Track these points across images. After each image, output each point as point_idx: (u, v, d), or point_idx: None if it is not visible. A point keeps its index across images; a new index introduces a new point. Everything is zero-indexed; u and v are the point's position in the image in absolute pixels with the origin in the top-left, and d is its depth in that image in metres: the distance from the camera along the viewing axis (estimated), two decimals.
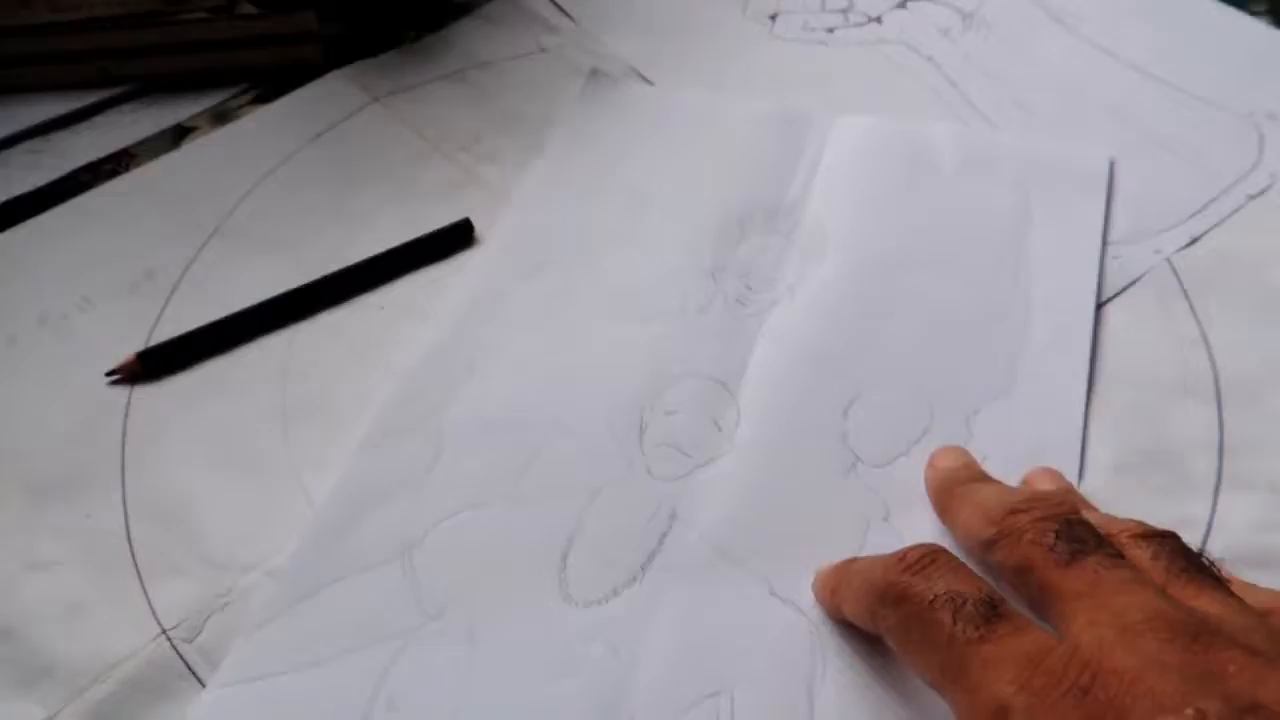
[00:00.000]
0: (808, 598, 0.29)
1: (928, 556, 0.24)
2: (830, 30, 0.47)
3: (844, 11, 0.48)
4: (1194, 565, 0.23)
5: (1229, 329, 0.36)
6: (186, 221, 0.41)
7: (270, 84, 0.47)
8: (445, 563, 0.30)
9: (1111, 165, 0.40)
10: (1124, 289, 0.37)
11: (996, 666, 0.21)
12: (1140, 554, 0.24)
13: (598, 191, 0.41)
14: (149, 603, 0.30)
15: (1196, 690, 0.19)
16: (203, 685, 0.29)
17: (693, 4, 0.49)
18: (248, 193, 0.42)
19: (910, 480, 0.32)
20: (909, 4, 0.48)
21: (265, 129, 0.45)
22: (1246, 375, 0.34)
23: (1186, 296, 0.37)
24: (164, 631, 0.30)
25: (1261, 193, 0.39)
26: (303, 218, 0.41)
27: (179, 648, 0.29)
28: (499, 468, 0.32)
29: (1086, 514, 0.26)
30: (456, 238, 0.39)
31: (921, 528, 0.31)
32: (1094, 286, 0.37)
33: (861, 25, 0.47)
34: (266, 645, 0.29)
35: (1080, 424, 0.33)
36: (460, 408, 0.34)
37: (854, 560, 0.28)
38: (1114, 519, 0.26)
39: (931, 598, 0.23)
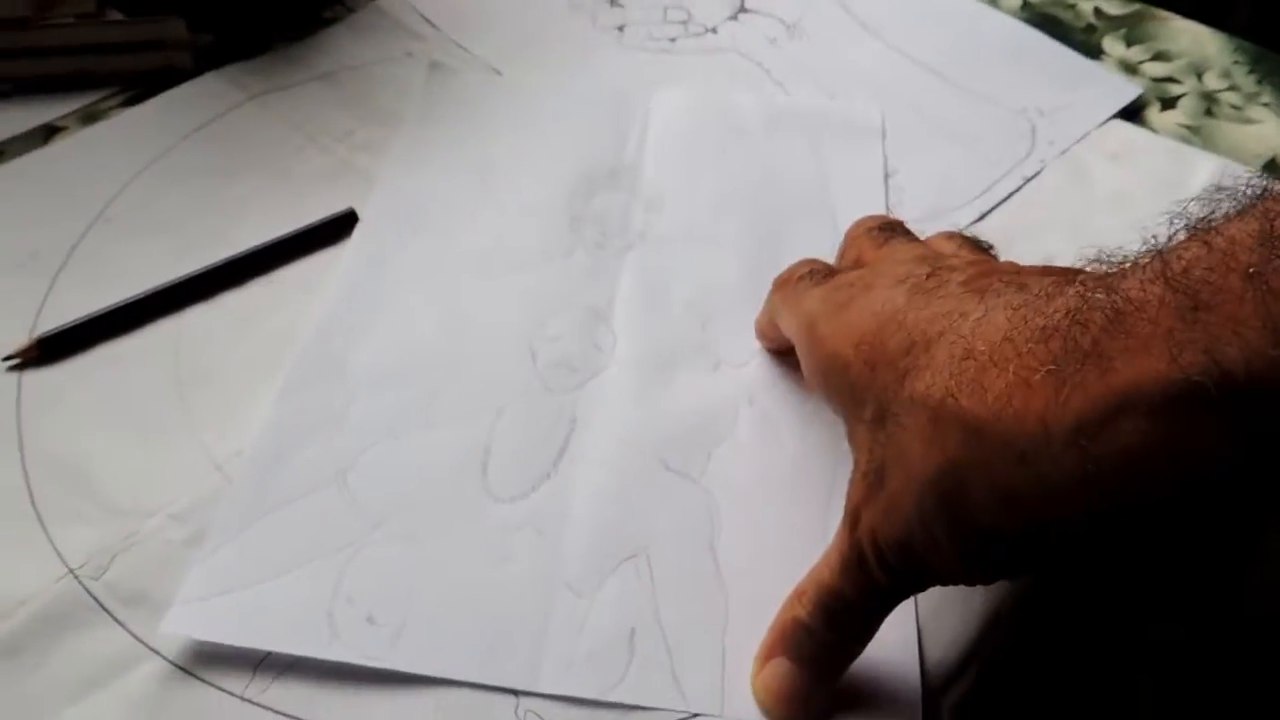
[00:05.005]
0: (698, 470, 0.35)
1: (800, 263, 0.35)
2: (672, 40, 0.52)
3: (683, 23, 0.53)
4: (970, 241, 0.34)
5: None
6: (67, 208, 0.42)
7: (141, 87, 0.49)
8: (377, 482, 0.34)
9: (882, 116, 0.48)
10: None
11: (815, 297, 0.31)
12: (943, 241, 0.34)
13: (454, 166, 0.45)
14: (53, 546, 0.32)
15: (912, 270, 0.29)
16: (113, 618, 0.31)
17: (547, 17, 0.54)
18: (129, 182, 0.44)
19: (766, 373, 0.38)
20: (740, 16, 0.54)
21: (141, 125, 0.46)
22: None
23: None
24: (70, 571, 0.31)
25: (1035, 175, 0.47)
26: (185, 205, 0.43)
27: (86, 584, 0.31)
28: (410, 402, 0.36)
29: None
30: (342, 225, 0.42)
31: (782, 403, 0.37)
32: (883, 212, 0.44)
33: (700, 35, 0.53)
34: (223, 566, 0.31)
35: None
36: (364, 357, 0.37)
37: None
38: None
39: (797, 277, 0.33)
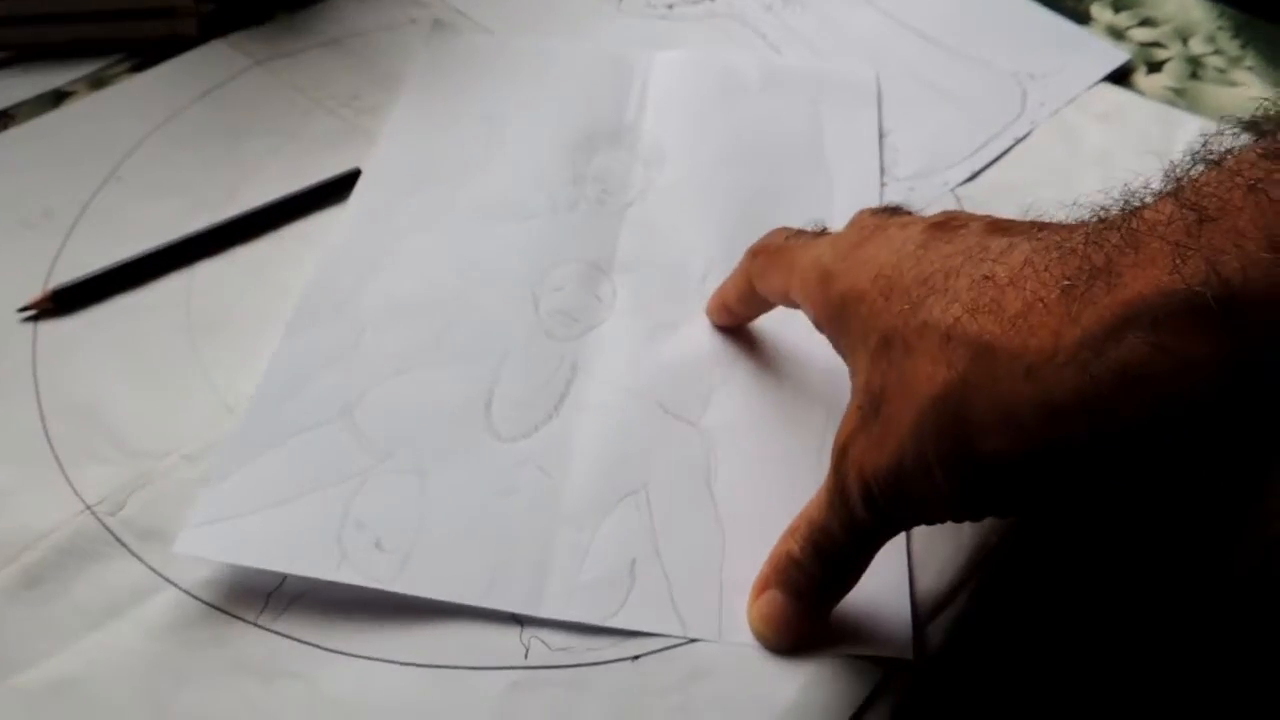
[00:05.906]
0: (695, 413, 0.36)
1: (778, 230, 0.35)
2: (670, 6, 0.53)
3: None
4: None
5: None
6: (79, 168, 0.43)
7: (147, 54, 0.50)
8: (384, 418, 0.35)
9: (877, 77, 0.49)
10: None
11: (823, 243, 0.32)
12: None
13: (457, 123, 0.46)
14: (71, 485, 0.33)
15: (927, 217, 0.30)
16: (130, 551, 0.32)
17: None
18: (139, 143, 0.44)
19: (761, 323, 0.39)
20: None
21: (149, 89, 0.47)
22: None
23: None
24: (88, 507, 0.32)
25: (1025, 136, 0.48)
26: (194, 165, 0.44)
27: (104, 520, 0.32)
28: (416, 341, 0.37)
29: None
30: (347, 184, 0.43)
31: (777, 352, 0.38)
32: (877, 169, 0.45)
33: (696, 2, 0.54)
34: (232, 492, 0.32)
35: None
36: (372, 298, 0.39)
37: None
38: None
39: (784, 238, 0.34)
